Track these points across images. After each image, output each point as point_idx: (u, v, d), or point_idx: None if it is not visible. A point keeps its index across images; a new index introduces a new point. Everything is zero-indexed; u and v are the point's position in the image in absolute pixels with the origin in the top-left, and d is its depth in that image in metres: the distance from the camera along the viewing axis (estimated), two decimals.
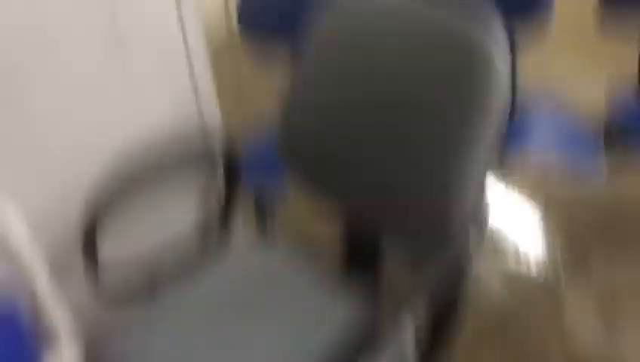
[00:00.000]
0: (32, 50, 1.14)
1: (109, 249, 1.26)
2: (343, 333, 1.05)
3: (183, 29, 1.33)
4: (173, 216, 1.47)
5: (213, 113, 1.49)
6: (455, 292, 1.00)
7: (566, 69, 2.73)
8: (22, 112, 1.17)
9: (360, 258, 1.34)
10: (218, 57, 1.77)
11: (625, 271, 1.82)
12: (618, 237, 1.94)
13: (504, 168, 1.89)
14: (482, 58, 0.95)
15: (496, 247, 1.96)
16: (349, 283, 1.21)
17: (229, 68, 2.78)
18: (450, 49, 0.98)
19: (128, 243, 1.38)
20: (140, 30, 1.28)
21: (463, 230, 0.99)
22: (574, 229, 1.98)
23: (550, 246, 1.94)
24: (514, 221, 2.05)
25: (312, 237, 1.82)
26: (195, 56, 1.38)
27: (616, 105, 1.78)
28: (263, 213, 1.63)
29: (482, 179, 1.00)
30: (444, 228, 1.00)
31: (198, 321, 1.14)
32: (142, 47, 1.30)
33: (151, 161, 1.30)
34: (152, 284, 1.25)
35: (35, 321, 1.17)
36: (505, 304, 1.78)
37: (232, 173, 1.41)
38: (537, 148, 1.69)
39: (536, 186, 2.17)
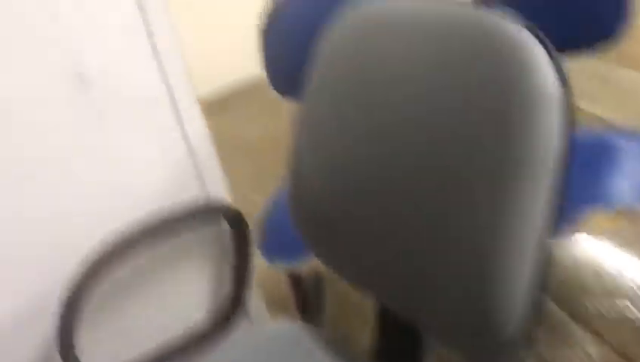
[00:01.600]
0: None
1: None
2: None
3: (165, 78, 1.12)
4: (174, 305, 1.25)
5: (214, 177, 1.25)
6: None
7: None
8: None
9: (394, 349, 1.05)
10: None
11: None
12: None
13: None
14: (541, 80, 0.67)
15: None
16: None
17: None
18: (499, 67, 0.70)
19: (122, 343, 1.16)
20: (117, 85, 1.10)
21: (513, 321, 0.70)
22: None
23: None
24: None
25: (348, 315, 1.55)
26: (185, 108, 1.16)
27: None
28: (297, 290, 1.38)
29: (539, 251, 0.71)
30: (488, 320, 0.71)
31: None
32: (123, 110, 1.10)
33: (142, 237, 1.10)
34: None
35: None
36: None
37: (243, 246, 1.17)
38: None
39: None
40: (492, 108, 0.70)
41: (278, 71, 1.48)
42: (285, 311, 1.49)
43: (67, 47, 1.04)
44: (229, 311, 1.21)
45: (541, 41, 0.69)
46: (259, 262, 1.27)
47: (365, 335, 1.08)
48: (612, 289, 1.63)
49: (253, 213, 1.37)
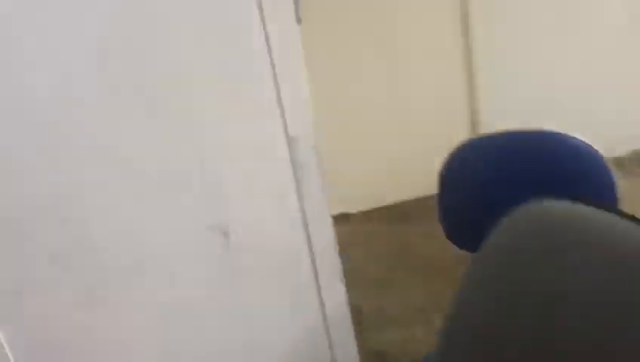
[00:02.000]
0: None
1: None
2: None
3: (309, 243, 1.05)
4: None
5: (349, 353, 1.16)
6: None
7: None
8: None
9: None
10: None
11: None
12: None
13: None
14: None
15: None
16: None
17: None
18: None
19: None
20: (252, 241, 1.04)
21: None
22: None
23: None
24: None
25: None
26: (326, 276, 1.09)
27: None
28: None
29: None
30: None
31: None
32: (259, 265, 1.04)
33: None
34: None
35: None
36: None
37: None
38: None
39: None
40: None
41: (450, 217, 1.41)
42: None
43: (212, 200, 1.00)
44: None
45: None
46: None
47: None
48: None
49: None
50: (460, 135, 2.86)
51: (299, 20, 2.77)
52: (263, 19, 0.94)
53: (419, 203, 2.86)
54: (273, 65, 0.97)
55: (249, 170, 1.01)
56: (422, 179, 2.62)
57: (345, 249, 2.70)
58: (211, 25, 0.93)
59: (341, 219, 2.87)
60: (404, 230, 2.69)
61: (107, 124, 0.94)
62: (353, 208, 2.90)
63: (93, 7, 0.88)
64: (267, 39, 0.95)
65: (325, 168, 2.93)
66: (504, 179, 1.33)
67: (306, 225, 1.05)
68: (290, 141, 1.00)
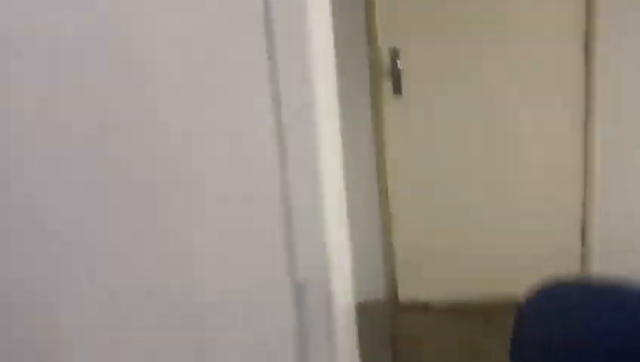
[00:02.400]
0: None
1: None
2: None
3: None
4: None
5: None
6: None
7: None
8: None
9: None
10: None
11: None
12: None
13: None
14: None
15: None
16: None
17: None
18: None
19: None
20: None
21: None
22: None
23: None
24: None
25: None
26: None
27: None
28: None
29: None
30: None
31: None
32: None
33: None
34: None
35: None
36: None
37: None
38: None
39: None
40: None
41: None
42: None
43: (195, 334, 0.83)
44: None
45: None
46: None
47: None
48: None
49: None
50: (564, 240, 2.54)
51: (398, 93, 2.56)
52: (279, 123, 0.77)
53: (508, 305, 2.55)
54: (286, 197, 0.79)
55: (240, 314, 0.83)
56: (514, 281, 2.32)
57: (416, 341, 2.45)
58: (217, 128, 0.78)
59: (418, 308, 2.62)
60: (483, 332, 2.40)
61: (98, 219, 0.80)
62: (434, 298, 2.63)
63: (91, 86, 0.75)
64: (282, 149, 0.78)
65: (413, 249, 2.65)
66: (596, 344, 1.07)
67: None
68: (297, 288, 0.81)
